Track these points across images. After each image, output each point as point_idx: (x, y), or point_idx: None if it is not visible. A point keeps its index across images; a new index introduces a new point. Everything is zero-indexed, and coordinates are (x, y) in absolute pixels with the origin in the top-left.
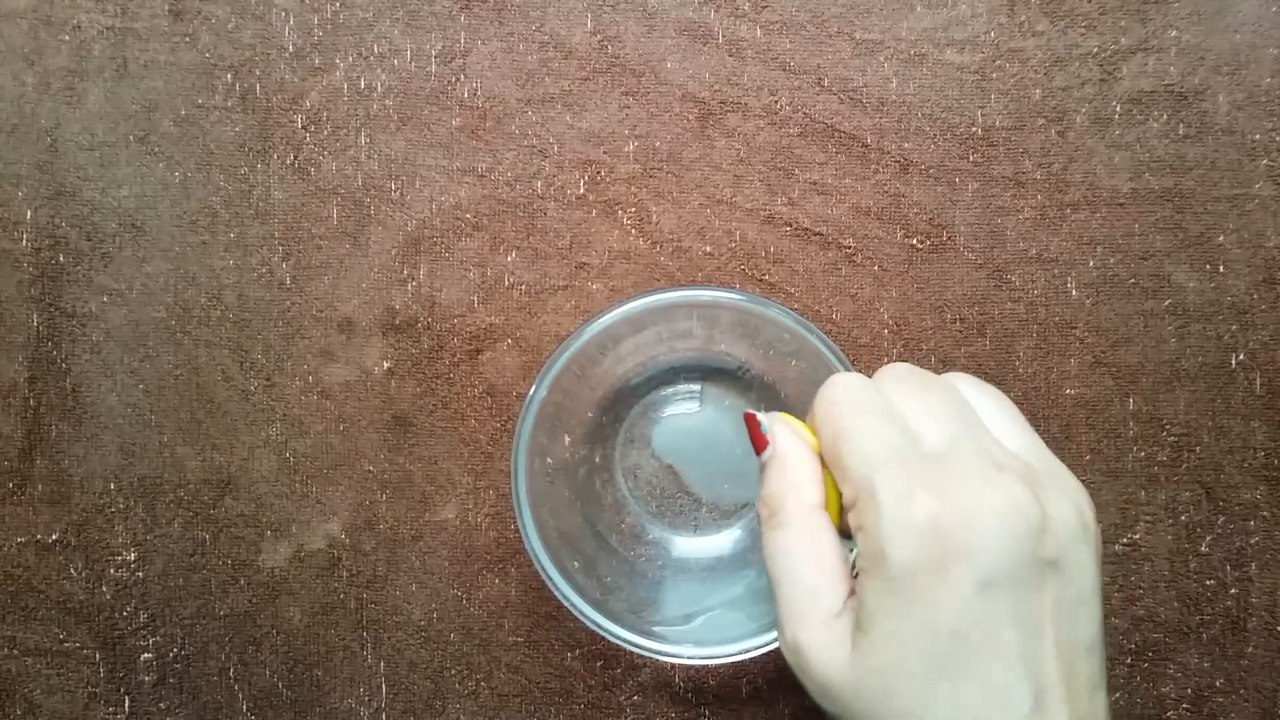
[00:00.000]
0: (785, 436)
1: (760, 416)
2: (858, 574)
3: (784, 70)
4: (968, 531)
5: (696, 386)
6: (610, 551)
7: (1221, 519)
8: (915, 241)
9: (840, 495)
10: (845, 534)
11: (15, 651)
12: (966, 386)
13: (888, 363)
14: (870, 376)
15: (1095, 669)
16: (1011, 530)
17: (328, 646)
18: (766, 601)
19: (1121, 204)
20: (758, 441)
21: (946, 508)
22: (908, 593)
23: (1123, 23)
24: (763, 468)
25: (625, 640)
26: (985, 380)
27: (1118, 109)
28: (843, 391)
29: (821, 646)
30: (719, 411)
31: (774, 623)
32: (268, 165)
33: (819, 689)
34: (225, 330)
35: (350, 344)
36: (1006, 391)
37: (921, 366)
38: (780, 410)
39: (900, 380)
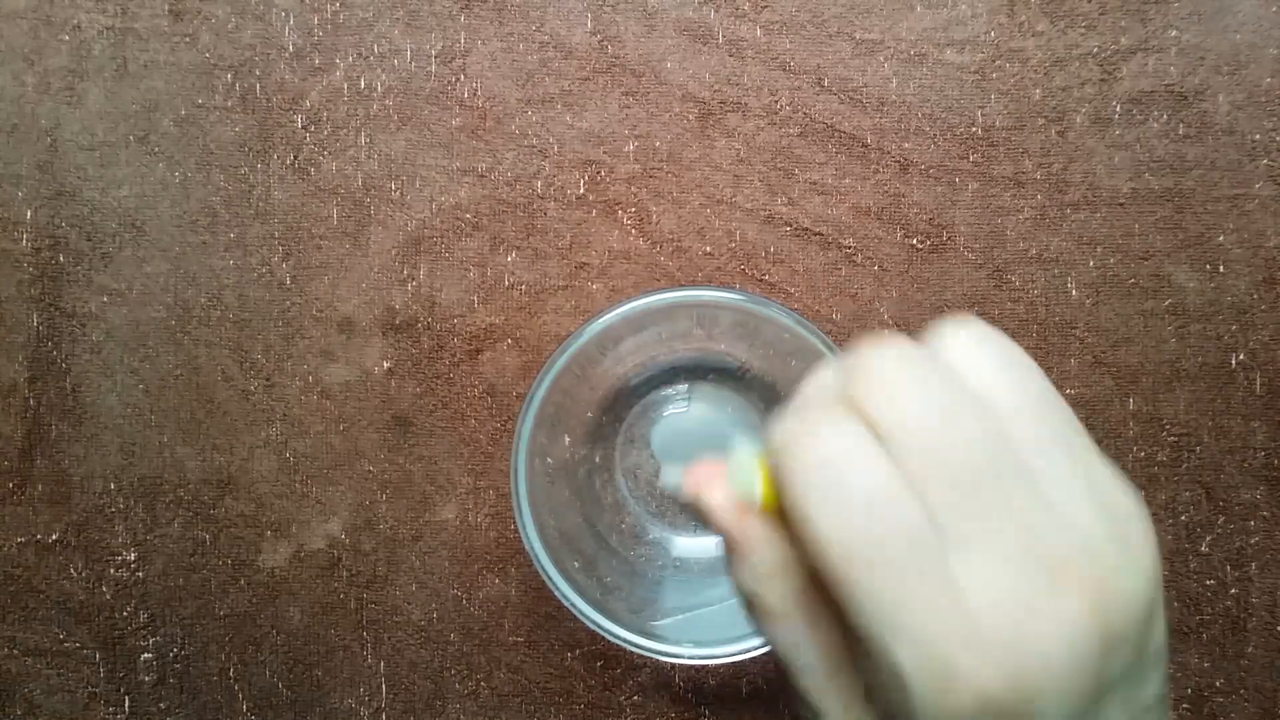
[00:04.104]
0: (725, 517)
1: (697, 492)
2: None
3: (784, 70)
4: (1027, 697)
5: (685, 387)
6: (610, 551)
7: (1221, 519)
8: (915, 241)
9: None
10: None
11: (15, 651)
12: (994, 370)
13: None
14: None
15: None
16: (1079, 669)
17: (328, 646)
18: None
19: (1121, 204)
20: (708, 523)
21: (997, 675)
22: None
23: (1123, 23)
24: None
25: (625, 640)
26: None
27: (1118, 109)
28: (819, 479)
29: None
30: (713, 412)
31: None
32: (268, 165)
33: None
34: (225, 330)
35: (350, 344)
36: None
37: None
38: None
39: (885, 389)
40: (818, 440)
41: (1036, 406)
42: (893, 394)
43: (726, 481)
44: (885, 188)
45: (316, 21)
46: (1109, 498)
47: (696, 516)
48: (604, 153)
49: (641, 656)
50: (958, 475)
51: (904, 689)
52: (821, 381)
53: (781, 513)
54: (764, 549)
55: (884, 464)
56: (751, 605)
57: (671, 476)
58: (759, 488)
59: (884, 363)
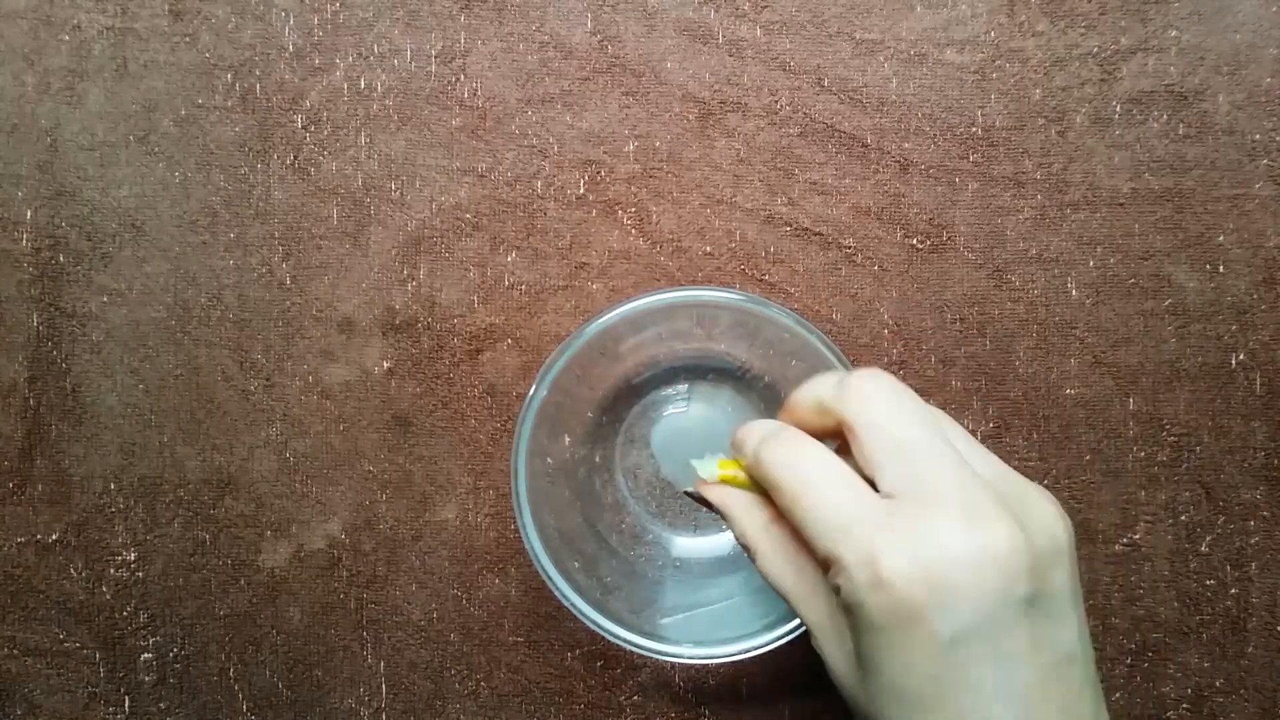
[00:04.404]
0: (714, 494)
1: (696, 484)
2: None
3: (784, 70)
4: (938, 587)
5: (685, 387)
6: (610, 551)
7: (1221, 519)
8: (915, 241)
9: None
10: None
11: (15, 651)
12: (926, 410)
13: (876, 368)
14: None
15: (1077, 674)
16: (985, 581)
17: (328, 646)
18: (766, 601)
19: (1121, 204)
20: (706, 505)
21: (915, 564)
22: (885, 640)
23: (1123, 23)
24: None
25: (625, 640)
26: (937, 405)
27: (1118, 109)
28: (786, 458)
29: (832, 653)
30: (712, 412)
31: (775, 622)
32: (268, 165)
33: (834, 683)
34: (225, 330)
35: (350, 344)
36: (1006, 392)
37: (921, 366)
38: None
39: (867, 402)
40: (782, 443)
41: (954, 426)
42: (868, 400)
43: (704, 476)
44: (885, 188)
45: (316, 21)
46: (1017, 478)
47: (700, 503)
48: (604, 153)
49: (641, 656)
50: (905, 454)
51: (847, 574)
52: (816, 386)
53: (748, 482)
54: (736, 503)
55: (825, 453)
56: (746, 550)
57: (682, 479)
58: (717, 474)
59: (863, 382)
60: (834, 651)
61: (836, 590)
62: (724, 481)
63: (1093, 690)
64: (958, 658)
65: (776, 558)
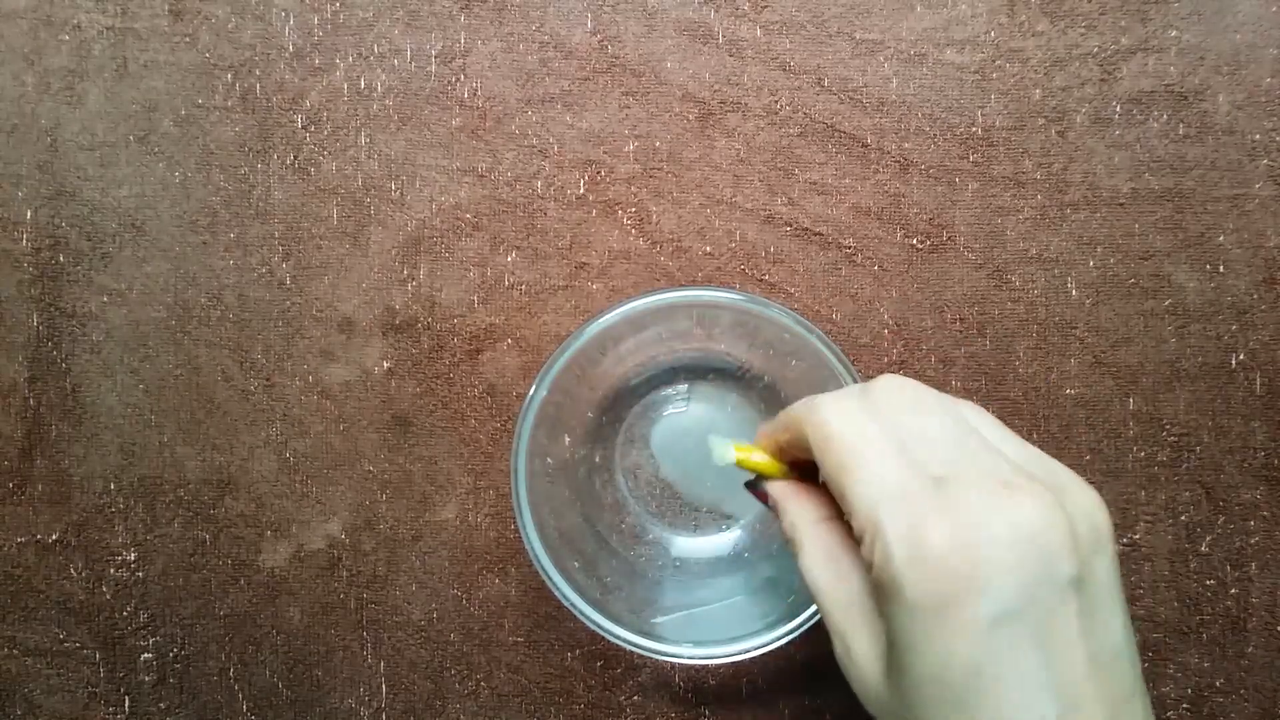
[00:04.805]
0: (774, 488)
1: (751, 478)
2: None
3: (784, 70)
4: (980, 564)
5: (685, 387)
6: (610, 551)
7: (1221, 519)
8: (915, 241)
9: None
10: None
11: (15, 651)
12: (950, 403)
13: (885, 373)
14: (867, 381)
15: (1127, 673)
16: (1026, 558)
17: (328, 646)
18: (766, 600)
19: (1121, 204)
20: (763, 499)
21: (956, 540)
22: (923, 625)
23: (1123, 23)
24: (775, 513)
25: (625, 640)
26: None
27: (1118, 109)
28: (838, 423)
29: (859, 660)
30: (712, 412)
31: (775, 622)
32: (268, 165)
33: (859, 694)
34: (225, 330)
35: (350, 344)
36: (1006, 392)
37: (921, 366)
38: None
39: (897, 395)
40: (835, 412)
41: (984, 416)
42: (892, 400)
43: (718, 457)
44: (885, 188)
45: (316, 21)
46: (1056, 465)
47: (757, 496)
48: (604, 153)
49: (641, 656)
50: (934, 444)
51: (886, 548)
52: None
53: (770, 465)
54: (792, 498)
55: (892, 433)
56: (791, 544)
57: (682, 481)
58: (732, 456)
59: (887, 384)
60: (862, 655)
61: (870, 567)
62: (740, 465)
63: (1142, 697)
64: (1001, 641)
65: (818, 555)
